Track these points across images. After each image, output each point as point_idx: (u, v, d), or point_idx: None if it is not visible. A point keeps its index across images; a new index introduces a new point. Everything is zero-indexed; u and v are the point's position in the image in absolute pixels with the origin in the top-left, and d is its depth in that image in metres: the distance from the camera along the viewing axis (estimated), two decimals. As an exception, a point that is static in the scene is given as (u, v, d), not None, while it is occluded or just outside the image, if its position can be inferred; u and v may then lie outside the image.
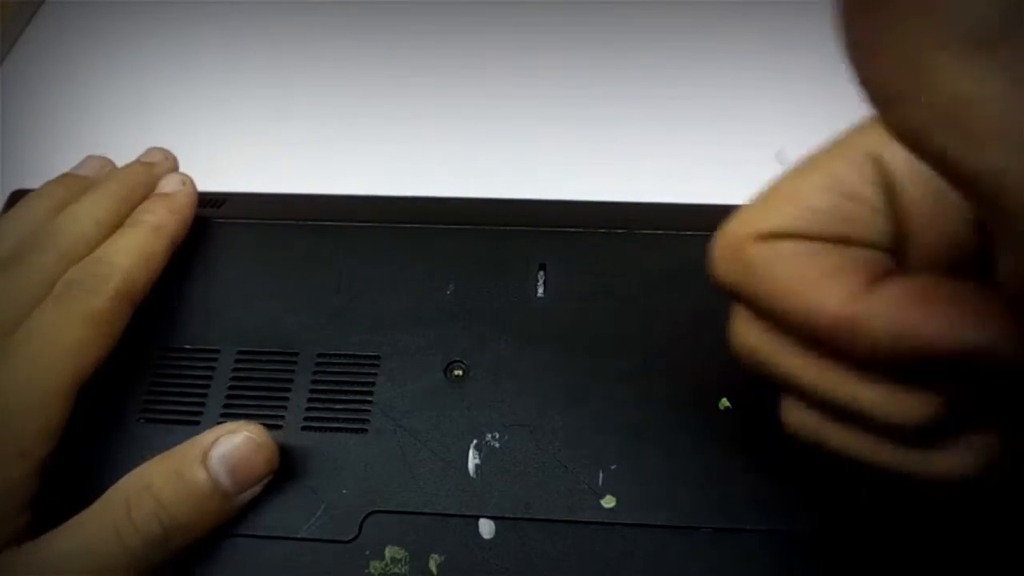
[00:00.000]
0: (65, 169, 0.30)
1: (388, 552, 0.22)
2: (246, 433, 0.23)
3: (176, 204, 0.28)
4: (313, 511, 0.23)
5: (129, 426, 0.25)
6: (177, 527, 0.21)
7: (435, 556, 0.22)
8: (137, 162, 0.30)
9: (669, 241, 0.28)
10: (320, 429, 0.25)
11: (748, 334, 0.18)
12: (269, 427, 0.24)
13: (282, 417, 0.25)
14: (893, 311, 0.15)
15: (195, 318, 0.27)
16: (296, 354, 0.26)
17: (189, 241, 0.29)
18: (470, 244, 0.28)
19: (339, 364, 0.26)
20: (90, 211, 0.27)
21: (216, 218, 0.30)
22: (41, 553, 0.21)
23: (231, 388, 0.25)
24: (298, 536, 0.23)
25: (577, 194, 0.30)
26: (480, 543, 0.23)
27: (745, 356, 0.18)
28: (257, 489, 0.23)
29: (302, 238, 0.29)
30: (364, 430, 0.24)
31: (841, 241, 0.17)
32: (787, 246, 0.16)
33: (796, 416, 0.19)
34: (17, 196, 0.31)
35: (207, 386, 0.25)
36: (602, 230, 0.28)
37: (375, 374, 0.25)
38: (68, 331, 0.23)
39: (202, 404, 0.25)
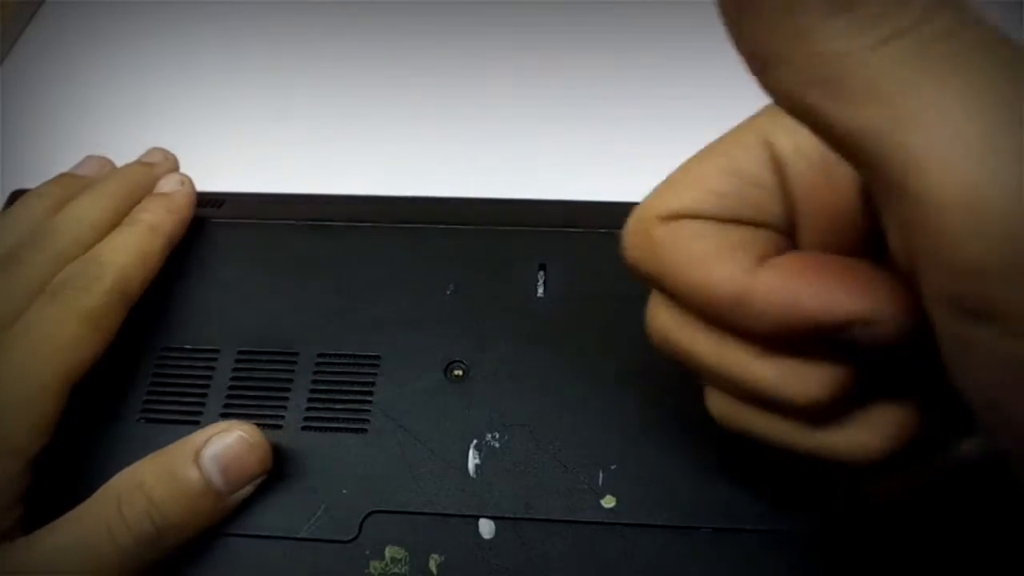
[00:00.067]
0: (65, 169, 0.30)
1: (388, 552, 0.22)
2: (239, 432, 0.23)
3: (174, 204, 0.28)
4: (313, 511, 0.23)
5: (129, 426, 0.25)
6: (169, 526, 0.21)
7: (435, 556, 0.22)
8: (137, 162, 0.31)
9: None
10: (320, 429, 0.25)
11: (660, 317, 0.19)
12: (269, 427, 0.24)
13: (282, 417, 0.25)
14: (778, 284, 0.16)
15: (195, 318, 0.27)
16: (296, 354, 0.26)
17: (189, 241, 0.29)
18: (470, 244, 0.28)
19: (339, 364, 0.26)
20: (88, 210, 0.27)
21: (216, 218, 0.30)
22: (33, 549, 0.21)
23: (231, 388, 0.25)
24: (298, 536, 0.23)
25: (577, 194, 0.30)
26: (480, 543, 0.23)
27: (658, 341, 0.19)
28: (250, 489, 0.23)
29: (302, 238, 0.29)
30: (364, 430, 0.24)
31: (737, 221, 0.17)
32: (687, 226, 0.17)
33: (717, 404, 0.19)
34: (17, 196, 0.31)
35: (207, 386, 0.25)
36: (602, 230, 0.28)
37: (375, 374, 0.25)
38: (62, 328, 0.23)
39: (202, 404, 0.25)
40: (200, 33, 0.45)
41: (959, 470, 0.19)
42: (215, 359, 0.26)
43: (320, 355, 0.26)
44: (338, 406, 0.25)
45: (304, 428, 0.25)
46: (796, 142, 0.17)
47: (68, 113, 0.42)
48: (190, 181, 0.29)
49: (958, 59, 0.12)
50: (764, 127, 0.17)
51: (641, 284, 0.19)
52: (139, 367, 0.26)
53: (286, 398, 0.25)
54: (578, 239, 0.28)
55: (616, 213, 0.29)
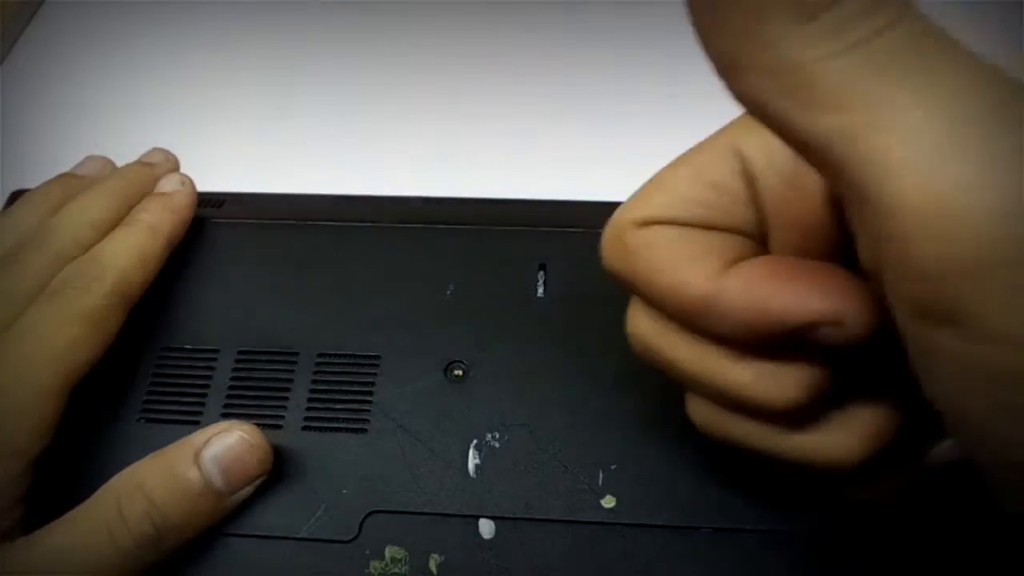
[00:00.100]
0: (65, 169, 0.30)
1: (388, 552, 0.22)
2: (239, 433, 0.23)
3: (174, 204, 0.28)
4: (313, 511, 0.23)
5: (129, 426, 0.25)
6: (169, 527, 0.21)
7: (435, 556, 0.22)
8: (137, 162, 0.30)
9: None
10: (320, 429, 0.25)
11: (640, 325, 0.19)
12: (269, 427, 0.24)
13: (282, 417, 0.25)
14: (745, 287, 0.16)
15: (195, 318, 0.27)
16: (296, 354, 0.26)
17: (189, 241, 0.29)
18: (470, 244, 0.28)
19: (339, 364, 0.26)
20: (87, 210, 0.27)
21: (216, 218, 0.30)
22: (33, 549, 0.21)
23: (231, 388, 0.25)
24: (298, 536, 0.23)
25: (577, 194, 0.30)
26: (480, 543, 0.23)
27: (639, 348, 0.19)
28: (250, 490, 0.23)
29: (302, 238, 0.29)
30: (364, 430, 0.24)
31: (708, 227, 0.18)
32: (660, 231, 0.18)
33: (698, 411, 0.20)
34: (17, 196, 0.31)
35: (207, 386, 0.25)
36: (602, 230, 0.28)
37: (375, 374, 0.25)
38: (61, 329, 0.23)
39: (202, 404, 0.25)
40: (200, 33, 0.45)
41: (939, 472, 0.19)
42: (215, 359, 0.26)
43: (320, 355, 0.26)
44: (338, 406, 0.25)
45: (304, 428, 0.25)
46: (766, 151, 0.17)
47: (68, 113, 0.42)
48: (190, 181, 0.29)
49: (919, 68, 0.12)
50: (735, 136, 0.18)
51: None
52: (139, 367, 0.26)
53: (286, 398, 0.25)
54: (578, 239, 0.28)
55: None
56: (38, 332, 0.23)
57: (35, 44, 0.45)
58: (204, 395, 0.25)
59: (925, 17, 0.13)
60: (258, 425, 0.23)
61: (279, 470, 0.24)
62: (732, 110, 0.17)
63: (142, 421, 0.25)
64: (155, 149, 0.31)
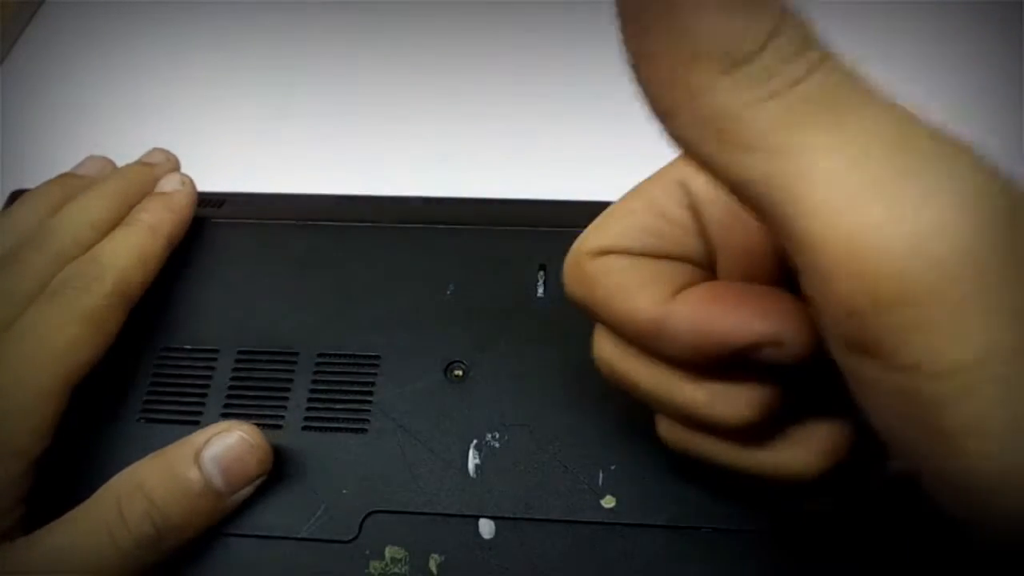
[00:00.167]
0: (65, 169, 0.30)
1: (388, 552, 0.22)
2: (239, 433, 0.23)
3: (174, 203, 0.28)
4: (313, 511, 0.23)
5: (129, 426, 0.25)
6: (169, 527, 0.21)
7: (435, 556, 0.22)
8: (137, 162, 0.30)
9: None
10: (320, 429, 0.25)
11: (604, 349, 0.20)
12: (269, 427, 0.24)
13: (282, 417, 0.25)
14: (692, 311, 0.17)
15: (195, 318, 0.27)
16: (296, 354, 0.26)
17: (189, 241, 0.29)
18: (470, 244, 0.28)
19: (339, 364, 0.26)
20: (87, 210, 0.27)
21: (216, 218, 0.30)
22: (33, 550, 0.21)
23: (231, 388, 0.25)
24: (298, 536, 0.23)
25: (577, 194, 0.30)
26: (480, 543, 0.23)
27: (604, 370, 0.20)
28: (250, 490, 0.23)
29: (302, 238, 0.29)
30: (364, 430, 0.24)
31: (659, 256, 0.19)
32: (613, 260, 0.19)
33: (664, 429, 0.21)
34: (17, 196, 0.31)
35: (207, 386, 0.25)
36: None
37: (375, 374, 0.25)
38: (61, 330, 0.23)
39: (202, 404, 0.25)
40: (200, 33, 0.45)
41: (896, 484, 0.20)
42: (215, 359, 0.26)
43: (320, 355, 0.26)
44: (338, 406, 0.25)
45: (304, 428, 0.25)
46: (709, 184, 0.18)
47: (68, 113, 0.42)
48: (191, 181, 0.29)
49: (835, 114, 0.13)
50: (682, 170, 0.19)
51: None
52: (139, 367, 0.26)
53: (286, 398, 0.25)
54: (578, 239, 0.28)
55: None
56: (38, 332, 0.23)
57: (35, 44, 0.45)
58: (204, 395, 0.25)
59: (843, 64, 0.13)
60: (258, 425, 0.23)
61: (279, 470, 0.24)
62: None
63: (142, 421, 0.25)
64: (155, 149, 0.31)
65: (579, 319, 0.26)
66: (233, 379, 0.26)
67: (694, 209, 0.19)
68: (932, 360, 0.12)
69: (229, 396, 0.25)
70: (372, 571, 0.22)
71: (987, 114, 0.37)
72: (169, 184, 0.29)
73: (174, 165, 0.31)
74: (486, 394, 0.25)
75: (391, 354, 0.26)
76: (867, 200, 0.12)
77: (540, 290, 0.27)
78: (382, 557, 0.22)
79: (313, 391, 0.25)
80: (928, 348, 0.12)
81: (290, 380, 0.25)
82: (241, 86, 0.42)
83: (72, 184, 0.29)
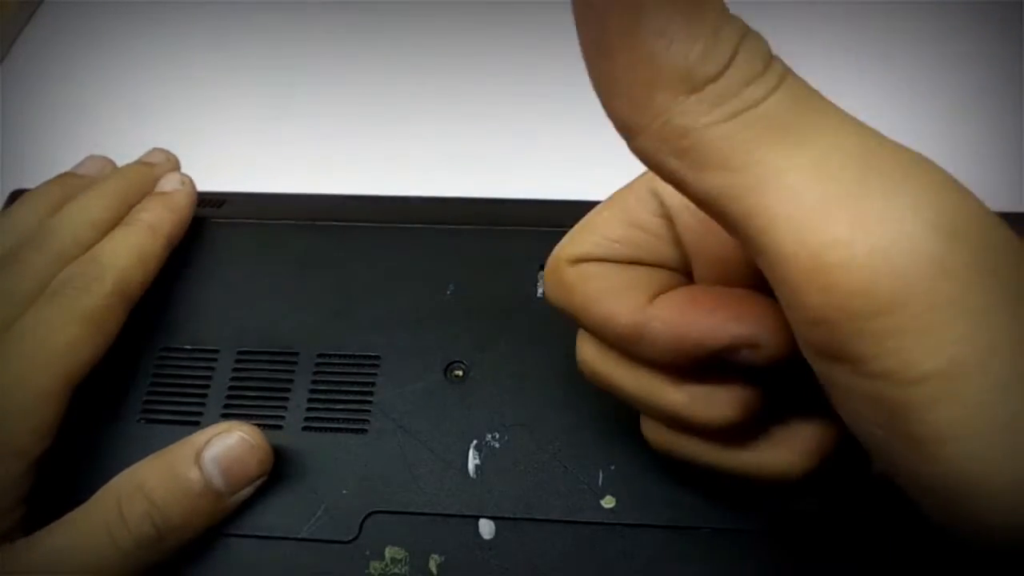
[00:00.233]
0: (65, 169, 0.30)
1: (388, 552, 0.22)
2: (240, 434, 0.23)
3: (174, 203, 0.28)
4: (313, 511, 0.23)
5: (129, 426, 0.25)
6: (170, 527, 0.21)
7: (435, 556, 0.22)
8: (137, 162, 0.30)
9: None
10: (320, 429, 0.25)
11: (586, 352, 0.20)
12: (269, 427, 0.24)
13: (282, 417, 0.25)
14: (668, 316, 0.18)
15: (195, 318, 0.27)
16: (296, 354, 0.26)
17: (189, 241, 0.29)
18: (470, 244, 0.28)
19: (339, 364, 0.26)
20: (87, 210, 0.27)
21: (216, 218, 0.30)
22: (33, 550, 0.21)
23: (231, 388, 0.25)
24: (298, 536, 0.23)
25: (577, 194, 0.30)
26: (480, 543, 0.23)
27: (587, 374, 0.20)
28: (250, 490, 0.23)
29: (302, 238, 0.29)
30: (364, 430, 0.24)
31: (634, 263, 0.19)
32: (591, 268, 0.19)
33: (649, 430, 0.21)
34: (17, 196, 0.31)
35: (207, 386, 0.25)
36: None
37: (375, 374, 0.25)
38: (61, 330, 0.23)
39: (202, 404, 0.25)
40: (200, 33, 0.45)
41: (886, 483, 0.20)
42: (215, 359, 0.26)
43: (320, 355, 0.26)
44: (338, 406, 0.25)
45: (304, 428, 0.25)
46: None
47: (68, 113, 0.42)
48: (190, 181, 0.29)
49: (796, 132, 0.13)
50: (654, 179, 0.19)
51: None
52: (139, 367, 0.26)
53: (286, 398, 0.25)
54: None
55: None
56: (39, 332, 0.23)
57: (35, 44, 0.45)
58: (204, 395, 0.25)
59: (802, 82, 0.14)
60: (258, 425, 0.23)
61: (279, 470, 0.24)
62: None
63: (142, 421, 0.25)
64: (155, 149, 0.31)
65: (579, 319, 0.26)
66: (233, 379, 0.26)
67: (668, 218, 0.19)
68: (903, 369, 0.13)
69: (229, 396, 0.25)
70: (372, 571, 0.22)
71: (987, 114, 0.37)
72: (169, 184, 0.29)
73: (174, 165, 0.31)
74: (486, 394, 0.25)
75: (391, 354, 0.26)
76: (831, 216, 0.13)
77: (540, 290, 0.27)
78: (382, 557, 0.22)
79: (313, 391, 0.25)
80: (898, 357, 0.13)
81: (290, 380, 0.25)
82: (241, 86, 0.42)
83: (72, 184, 0.29)
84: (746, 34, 0.13)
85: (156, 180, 0.29)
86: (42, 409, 0.22)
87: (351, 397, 0.25)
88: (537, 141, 0.39)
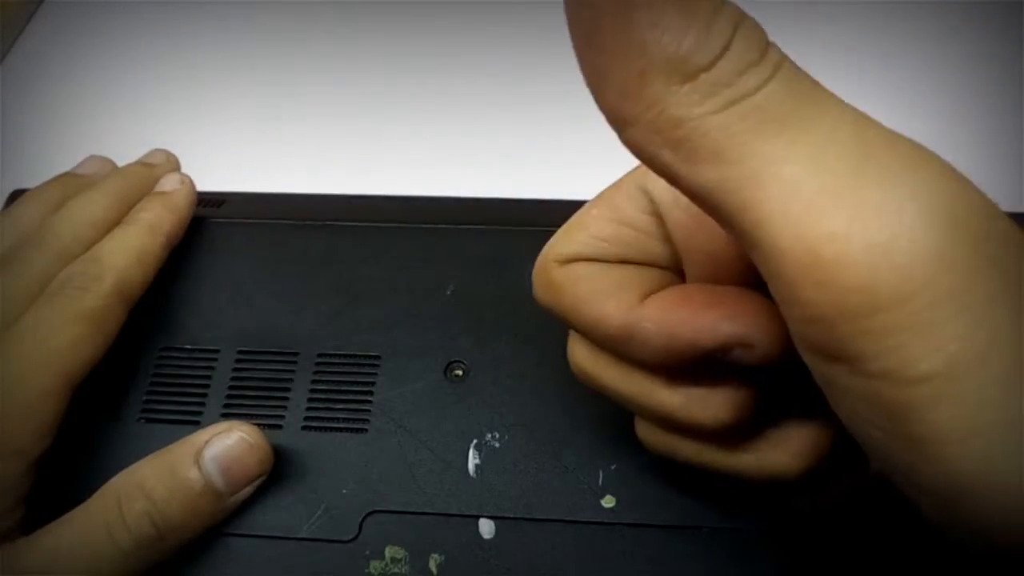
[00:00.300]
0: (65, 169, 0.30)
1: (388, 552, 0.22)
2: (239, 433, 0.23)
3: (173, 203, 0.28)
4: (313, 511, 0.23)
5: (129, 426, 0.25)
6: (169, 527, 0.21)
7: (435, 556, 0.22)
8: (137, 162, 0.30)
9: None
10: (320, 429, 0.25)
11: (578, 354, 0.20)
12: (269, 427, 0.24)
13: (282, 417, 0.25)
14: (660, 316, 0.17)
15: (195, 318, 0.27)
16: (296, 354, 0.26)
17: (189, 241, 0.29)
18: (470, 244, 0.28)
19: (339, 364, 0.26)
20: (87, 210, 0.27)
21: (215, 218, 0.30)
22: (33, 550, 0.21)
23: (231, 388, 0.25)
24: (298, 536, 0.23)
25: (577, 194, 0.30)
26: (480, 543, 0.23)
27: (579, 375, 0.20)
28: (250, 490, 0.23)
29: (302, 238, 0.29)
30: (364, 430, 0.24)
31: (624, 262, 0.19)
32: (580, 268, 0.19)
33: (644, 431, 0.21)
34: (17, 196, 0.31)
35: (207, 386, 0.25)
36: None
37: (375, 374, 0.25)
38: (61, 330, 0.23)
39: (202, 404, 0.25)
40: (200, 33, 0.45)
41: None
42: (215, 359, 0.26)
43: (320, 355, 0.26)
44: (338, 406, 0.25)
45: (304, 428, 0.25)
46: (670, 189, 0.18)
47: (68, 113, 0.42)
48: (190, 181, 0.29)
49: (792, 123, 0.13)
50: (642, 176, 0.19)
51: None
52: (139, 367, 0.26)
53: (286, 398, 0.25)
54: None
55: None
56: (39, 332, 0.23)
57: (35, 44, 0.45)
58: (204, 395, 0.25)
59: (799, 71, 0.13)
60: (258, 425, 0.23)
61: (279, 470, 0.24)
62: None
63: (142, 421, 0.25)
64: (155, 149, 0.31)
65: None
66: (233, 379, 0.26)
67: (657, 215, 0.19)
68: (903, 368, 0.12)
69: (229, 396, 0.25)
70: (372, 571, 0.22)
71: (987, 114, 0.37)
72: (169, 184, 0.29)
73: (174, 165, 0.31)
74: (486, 394, 0.25)
75: (391, 354, 0.26)
76: (828, 209, 0.12)
77: (540, 290, 0.27)
78: (382, 557, 0.22)
79: (313, 391, 0.25)
80: (898, 356, 0.12)
81: (290, 380, 0.25)
82: (241, 86, 0.42)
83: (72, 184, 0.29)
84: (741, 22, 0.13)
85: (156, 180, 0.29)
86: (42, 409, 0.22)
87: (351, 397, 0.25)
88: (537, 141, 0.39)
